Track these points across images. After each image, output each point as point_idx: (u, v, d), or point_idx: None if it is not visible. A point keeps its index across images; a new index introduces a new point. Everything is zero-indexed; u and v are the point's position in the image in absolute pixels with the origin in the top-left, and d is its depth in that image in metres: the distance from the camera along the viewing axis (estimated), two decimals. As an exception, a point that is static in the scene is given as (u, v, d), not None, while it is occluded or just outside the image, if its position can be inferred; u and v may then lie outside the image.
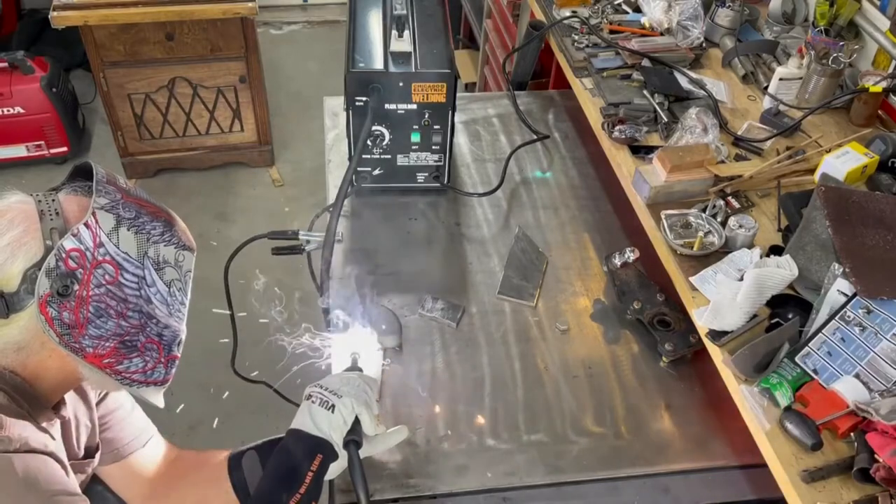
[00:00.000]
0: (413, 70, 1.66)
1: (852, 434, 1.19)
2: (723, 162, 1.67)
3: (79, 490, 1.02)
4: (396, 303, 1.63)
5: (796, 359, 1.27)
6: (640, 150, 1.73)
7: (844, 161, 1.60)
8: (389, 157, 1.79)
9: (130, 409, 1.30)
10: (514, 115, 2.18)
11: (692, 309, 1.42)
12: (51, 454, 0.98)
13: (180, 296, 1.06)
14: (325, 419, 1.13)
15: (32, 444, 0.96)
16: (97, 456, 1.22)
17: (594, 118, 1.86)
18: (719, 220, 1.52)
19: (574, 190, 1.96)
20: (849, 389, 1.20)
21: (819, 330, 1.28)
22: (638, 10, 2.16)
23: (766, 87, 1.92)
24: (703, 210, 1.55)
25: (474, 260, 1.75)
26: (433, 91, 1.67)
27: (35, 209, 0.97)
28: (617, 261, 1.64)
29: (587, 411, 1.46)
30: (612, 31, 2.10)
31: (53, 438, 1.04)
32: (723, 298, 1.33)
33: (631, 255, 1.62)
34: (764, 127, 1.82)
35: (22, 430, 0.96)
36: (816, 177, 1.63)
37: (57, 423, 1.08)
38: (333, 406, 1.13)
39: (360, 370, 1.30)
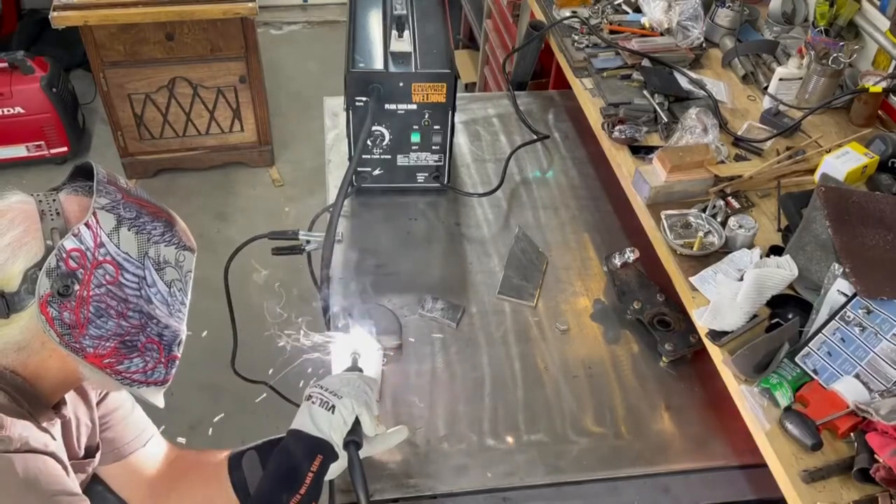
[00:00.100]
0: (413, 70, 1.66)
1: (852, 434, 1.19)
2: (723, 162, 1.67)
3: (79, 490, 1.02)
4: (396, 303, 1.63)
5: (796, 359, 1.27)
6: (640, 151, 1.73)
7: (844, 161, 1.60)
8: (389, 157, 1.79)
9: (131, 409, 1.30)
10: (514, 115, 2.18)
11: (692, 309, 1.42)
12: (51, 454, 0.98)
13: (181, 296, 1.06)
14: (325, 420, 1.13)
15: (33, 444, 0.96)
16: (97, 455, 1.22)
17: (594, 118, 1.86)
18: (719, 220, 1.52)
19: (574, 190, 1.96)
20: (849, 389, 1.20)
21: (819, 330, 1.28)
22: (638, 10, 2.16)
23: (766, 88, 1.92)
24: (703, 210, 1.55)
25: (474, 260, 1.75)
26: (433, 91, 1.67)
27: (36, 209, 0.97)
28: (617, 261, 1.64)
29: (587, 411, 1.46)
30: (612, 32, 2.10)
31: (54, 438, 1.03)
32: (723, 298, 1.33)
33: (631, 255, 1.62)
34: (764, 127, 1.82)
35: (22, 429, 0.96)
36: (816, 177, 1.63)
37: (57, 422, 1.08)
38: (333, 407, 1.14)
39: (360, 370, 1.30)
